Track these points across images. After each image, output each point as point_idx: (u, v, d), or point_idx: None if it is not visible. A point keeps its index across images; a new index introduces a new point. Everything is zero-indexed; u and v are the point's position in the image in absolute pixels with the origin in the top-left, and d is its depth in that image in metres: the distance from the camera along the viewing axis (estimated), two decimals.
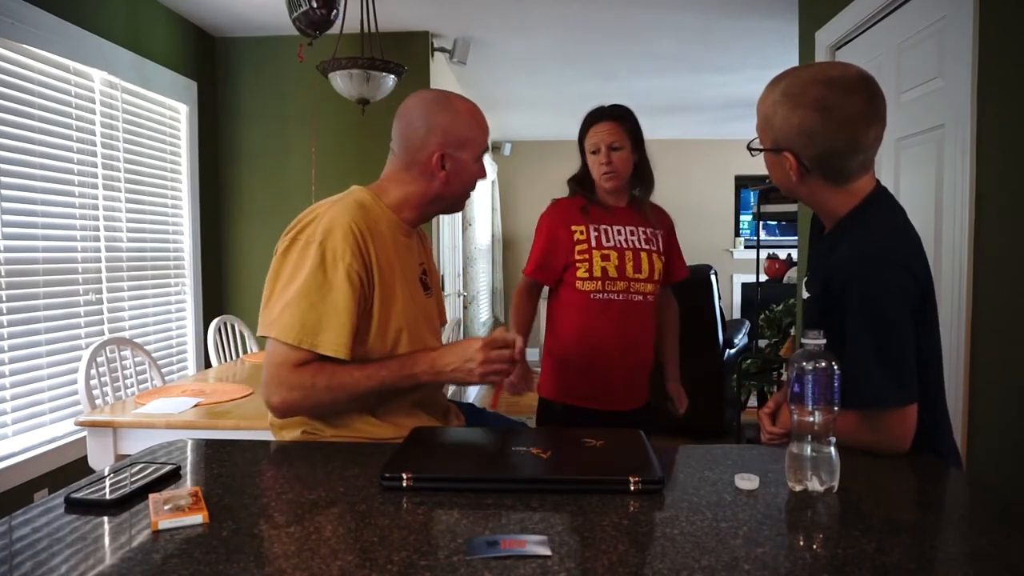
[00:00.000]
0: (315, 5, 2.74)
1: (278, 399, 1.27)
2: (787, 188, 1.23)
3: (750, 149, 1.25)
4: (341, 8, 2.91)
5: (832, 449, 0.96)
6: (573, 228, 2.01)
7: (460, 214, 5.52)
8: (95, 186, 3.00)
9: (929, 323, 1.16)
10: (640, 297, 2.01)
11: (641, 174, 2.05)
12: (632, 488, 0.97)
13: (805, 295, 1.29)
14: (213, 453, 1.23)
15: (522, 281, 2.15)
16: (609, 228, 2.01)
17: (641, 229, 2.03)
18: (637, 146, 2.02)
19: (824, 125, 1.12)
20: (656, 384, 2.16)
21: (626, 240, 2.01)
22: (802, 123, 1.13)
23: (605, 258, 1.98)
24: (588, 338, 2.01)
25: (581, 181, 2.07)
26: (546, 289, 2.14)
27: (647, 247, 2.03)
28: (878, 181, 1.22)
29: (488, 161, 6.64)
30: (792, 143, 1.15)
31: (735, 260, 7.37)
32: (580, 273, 2.00)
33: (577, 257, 2.00)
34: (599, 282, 1.99)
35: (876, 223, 1.16)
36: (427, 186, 1.42)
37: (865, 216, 1.17)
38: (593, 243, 1.99)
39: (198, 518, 0.87)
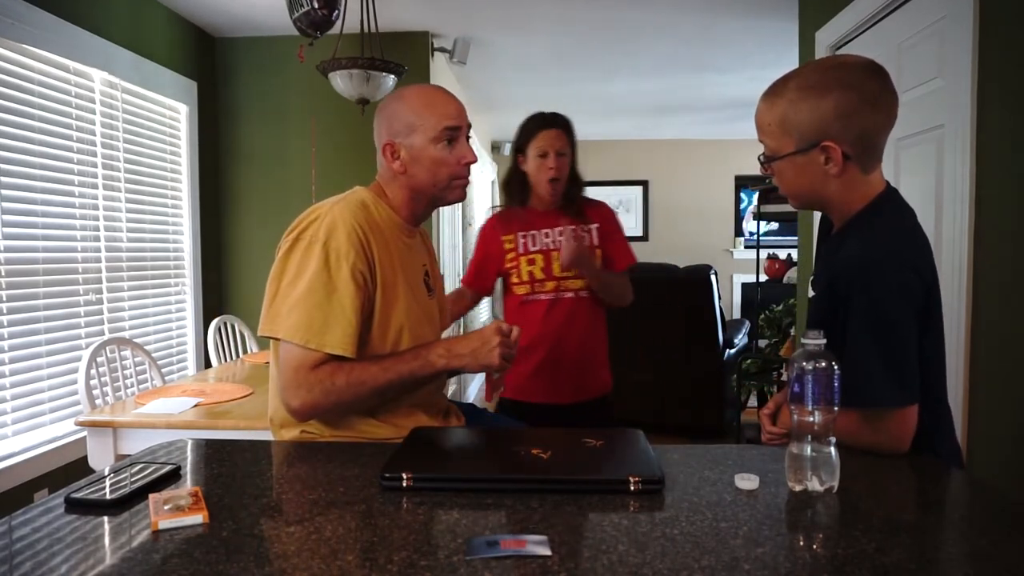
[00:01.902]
0: (316, 5, 2.74)
1: (299, 402, 1.26)
2: (815, 192, 1.19)
3: (769, 161, 1.20)
4: (341, 8, 2.91)
5: (832, 449, 0.96)
6: (503, 238, 2.15)
7: (460, 214, 5.51)
8: (95, 186, 3.00)
9: (933, 325, 1.16)
10: (571, 294, 2.09)
11: (573, 177, 2.14)
12: (632, 488, 0.97)
13: (811, 294, 1.29)
14: (213, 453, 1.23)
15: (461, 288, 2.30)
16: (537, 232, 2.11)
17: (572, 228, 2.10)
18: (574, 153, 2.13)
19: (860, 102, 1.12)
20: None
21: (553, 241, 2.10)
22: (837, 105, 1.11)
23: (531, 262, 2.10)
24: (524, 338, 2.11)
25: (511, 184, 2.16)
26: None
27: None
28: (887, 182, 1.22)
29: (487, 160, 6.64)
30: (829, 130, 1.12)
31: (735, 260, 7.37)
32: (513, 279, 2.13)
33: (508, 265, 2.13)
34: (529, 285, 2.11)
35: (884, 223, 1.16)
36: (397, 180, 1.42)
37: (874, 215, 1.17)
38: (520, 249, 2.12)
39: (198, 518, 0.87)
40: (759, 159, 1.23)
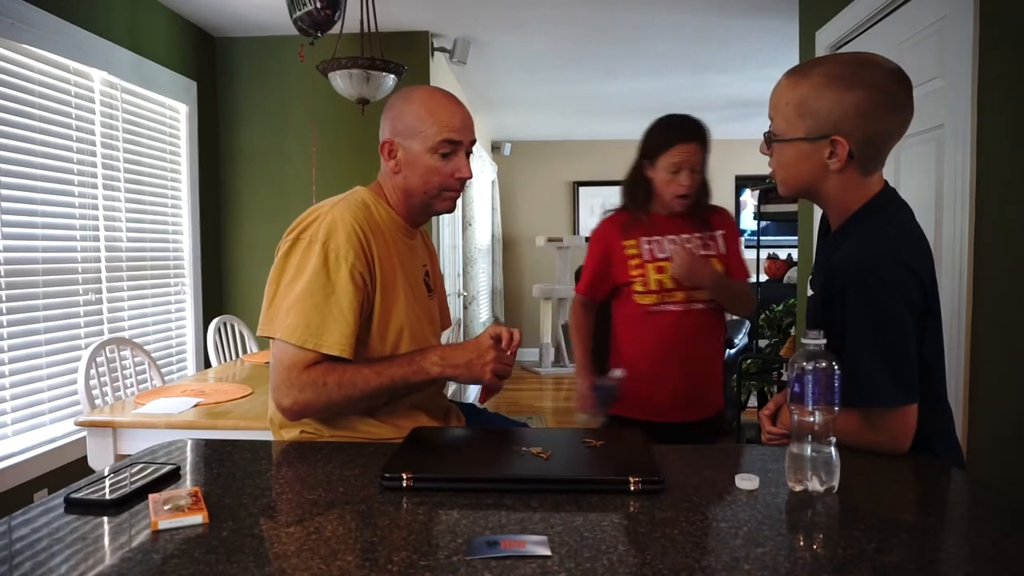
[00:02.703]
0: (320, 5, 2.73)
1: (290, 400, 1.27)
2: (810, 182, 1.19)
3: (774, 141, 1.19)
4: (343, 8, 2.91)
5: (832, 449, 0.96)
6: (624, 243, 1.96)
7: (460, 215, 5.51)
8: (95, 186, 3.00)
9: (932, 324, 1.16)
10: (701, 305, 1.92)
11: (703, 183, 1.96)
12: (632, 488, 0.97)
13: (810, 292, 1.29)
14: (213, 453, 1.23)
15: (576, 299, 2.12)
16: (662, 239, 1.93)
17: (697, 235, 1.94)
18: (707, 161, 1.94)
19: (883, 105, 1.11)
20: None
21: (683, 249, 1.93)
22: (860, 103, 1.10)
23: (659, 270, 1.92)
24: (648, 351, 1.95)
25: (635, 189, 1.96)
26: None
27: (704, 252, 1.93)
28: (886, 181, 1.22)
29: (487, 161, 6.64)
30: (844, 125, 1.12)
31: None
32: (637, 288, 1.94)
33: (632, 273, 1.94)
34: (656, 295, 1.92)
35: (881, 223, 1.16)
36: (393, 179, 1.42)
37: (872, 214, 1.17)
38: (646, 256, 1.93)
39: (198, 518, 0.87)
40: (764, 136, 1.22)
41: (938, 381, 1.18)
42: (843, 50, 2.70)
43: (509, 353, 1.34)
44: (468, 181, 1.43)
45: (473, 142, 1.43)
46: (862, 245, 1.13)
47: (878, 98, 1.11)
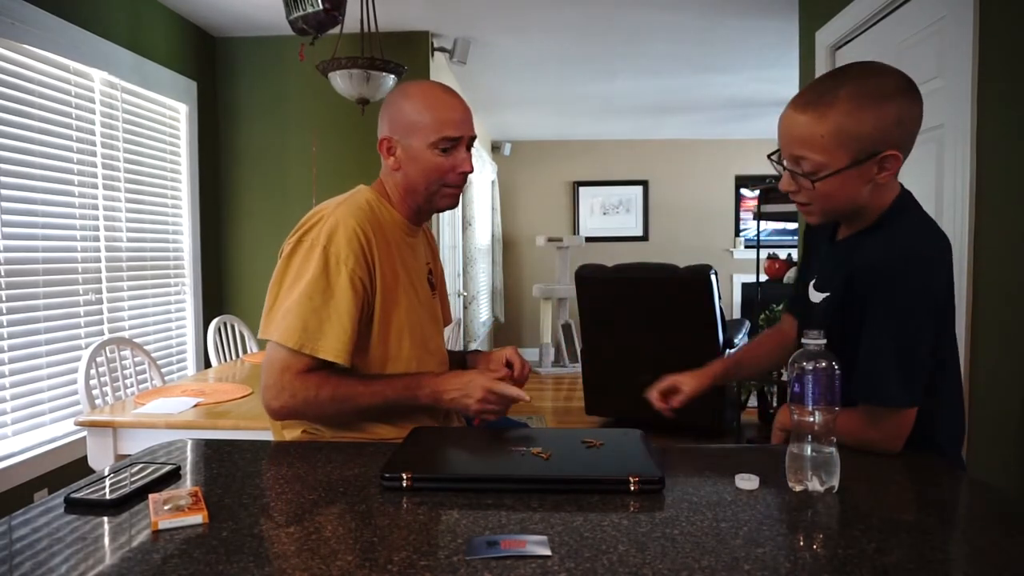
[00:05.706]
0: (327, 7, 2.72)
1: (279, 404, 1.27)
2: (853, 205, 1.14)
3: (818, 179, 1.12)
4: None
5: (832, 449, 0.97)
6: None
7: (460, 215, 5.51)
8: (95, 186, 3.00)
9: (949, 322, 1.17)
10: None
11: None
12: (632, 488, 0.97)
13: (816, 297, 1.27)
14: (213, 453, 1.23)
15: None
16: None
17: None
18: None
19: (911, 108, 1.11)
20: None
21: None
22: (898, 113, 1.09)
23: None
24: None
25: None
26: None
27: None
28: (901, 184, 1.22)
29: (487, 160, 6.64)
30: (891, 138, 1.09)
31: (735, 260, 7.37)
32: None
33: None
34: None
35: (908, 224, 1.16)
36: (393, 177, 1.41)
37: (896, 217, 1.17)
38: None
39: (198, 518, 0.87)
40: (793, 178, 1.15)
41: (952, 379, 1.19)
42: (842, 51, 2.70)
43: (519, 375, 1.40)
44: (469, 177, 1.42)
45: (473, 137, 1.41)
46: (888, 247, 1.13)
47: (905, 102, 1.10)
